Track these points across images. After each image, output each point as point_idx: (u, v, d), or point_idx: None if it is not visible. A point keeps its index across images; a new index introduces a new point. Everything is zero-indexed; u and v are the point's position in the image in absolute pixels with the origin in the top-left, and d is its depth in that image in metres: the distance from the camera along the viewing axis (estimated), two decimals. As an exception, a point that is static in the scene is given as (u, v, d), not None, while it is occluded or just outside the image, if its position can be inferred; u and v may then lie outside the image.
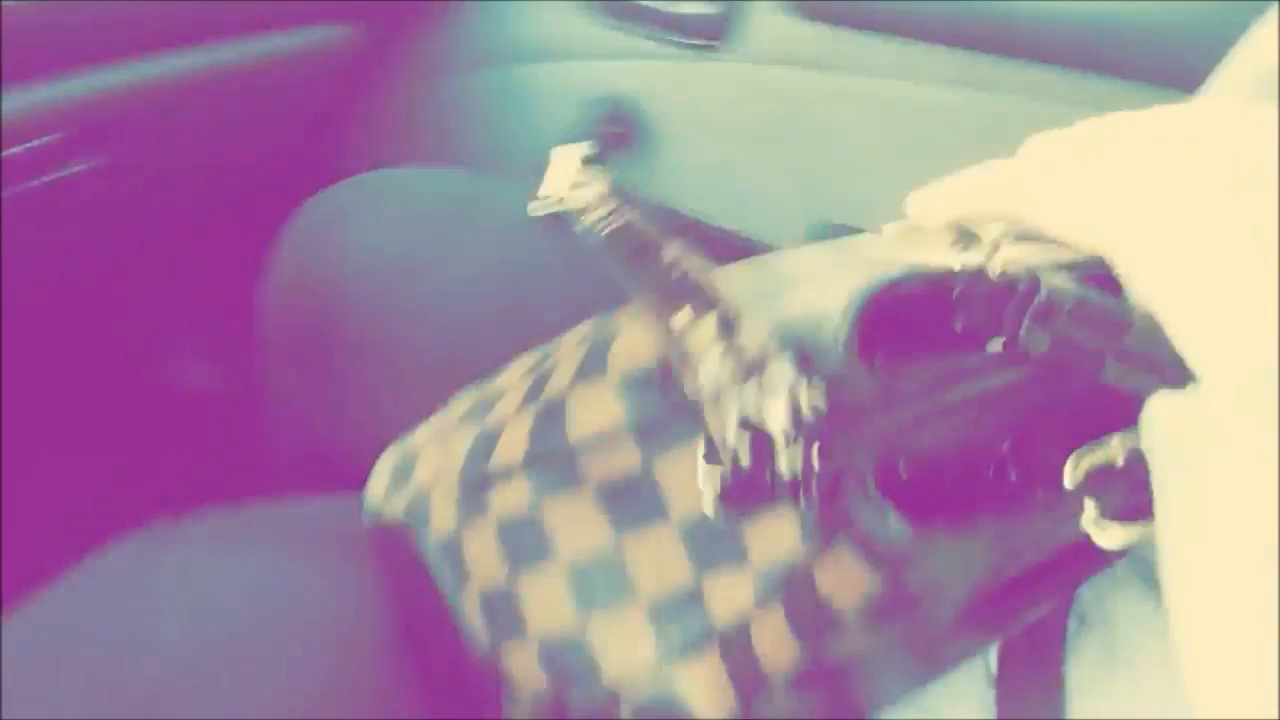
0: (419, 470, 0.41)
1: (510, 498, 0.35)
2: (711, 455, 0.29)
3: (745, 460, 0.25)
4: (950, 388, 0.29)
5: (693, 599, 0.32)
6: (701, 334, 0.28)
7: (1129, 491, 0.31)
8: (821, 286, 0.28)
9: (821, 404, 0.24)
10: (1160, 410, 0.29)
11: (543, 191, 0.60)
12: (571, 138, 1.02)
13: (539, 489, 0.35)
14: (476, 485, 0.37)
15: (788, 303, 0.28)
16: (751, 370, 0.25)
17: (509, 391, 0.39)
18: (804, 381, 0.25)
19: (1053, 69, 0.83)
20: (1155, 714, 0.38)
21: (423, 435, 0.43)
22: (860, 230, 0.92)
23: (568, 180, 0.59)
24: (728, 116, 0.98)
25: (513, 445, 0.35)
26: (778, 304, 0.29)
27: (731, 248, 0.87)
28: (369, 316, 0.61)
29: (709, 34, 0.97)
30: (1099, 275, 0.33)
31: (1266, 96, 0.45)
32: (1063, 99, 0.83)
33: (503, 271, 0.60)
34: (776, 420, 0.24)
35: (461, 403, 0.42)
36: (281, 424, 0.71)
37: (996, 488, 0.31)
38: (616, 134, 1.02)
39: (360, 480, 0.60)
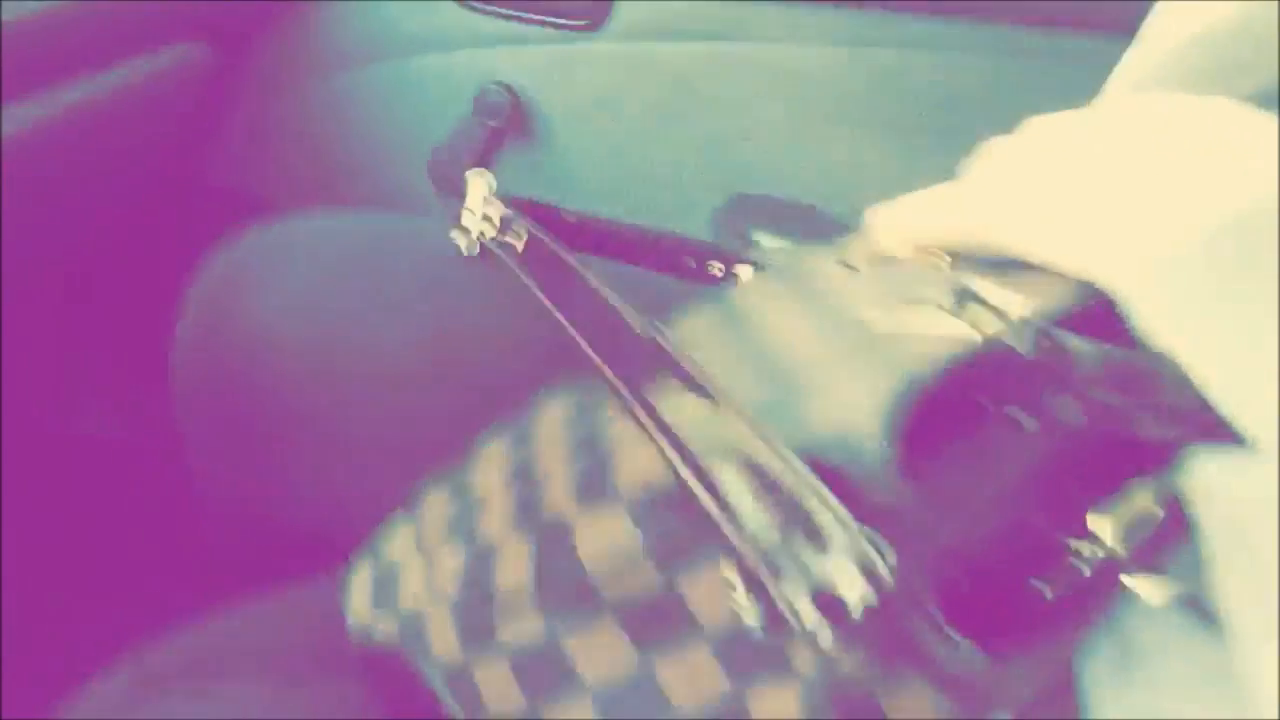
0: (405, 588, 0.38)
1: (522, 629, 0.33)
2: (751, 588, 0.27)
3: (827, 635, 0.23)
4: (989, 474, 0.28)
5: (734, 714, 0.31)
6: (722, 467, 0.26)
7: (1168, 539, 0.30)
8: (841, 391, 0.27)
9: (894, 560, 0.23)
10: (1210, 476, 0.28)
11: (459, 229, 0.57)
12: (457, 132, 0.98)
13: (553, 619, 0.32)
14: (480, 618, 0.34)
15: (809, 415, 0.27)
16: (795, 520, 0.24)
17: (491, 499, 0.36)
18: (874, 546, 0.23)
19: (936, 20, 0.82)
20: (1178, 713, 0.38)
21: (401, 546, 0.40)
22: (768, 199, 0.90)
23: (480, 213, 0.56)
24: (617, 98, 0.95)
25: (514, 573, 0.33)
26: (797, 415, 0.27)
27: (650, 246, 0.85)
28: (299, 376, 0.57)
29: (584, 14, 0.93)
30: (1098, 305, 0.31)
31: (1177, 84, 0.44)
32: (953, 48, 0.82)
33: (434, 318, 0.56)
34: (853, 591, 0.23)
35: (436, 505, 0.39)
36: (210, 486, 0.67)
37: (1043, 563, 0.29)
38: (504, 126, 0.98)
39: (297, 541, 0.57)
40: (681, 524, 0.30)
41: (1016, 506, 0.29)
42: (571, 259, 0.45)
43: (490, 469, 0.38)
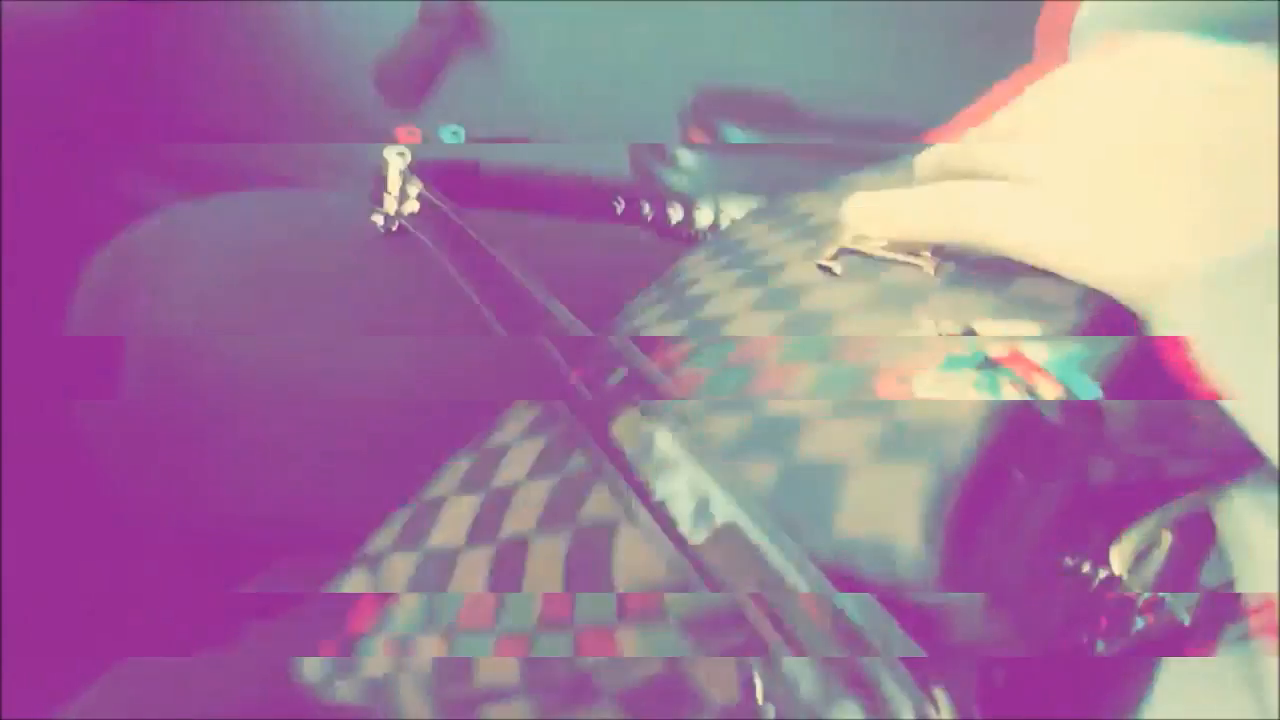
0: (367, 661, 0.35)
1: (509, 710, 0.31)
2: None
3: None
4: (1019, 543, 0.26)
5: None
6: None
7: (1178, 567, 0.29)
8: (870, 490, 0.24)
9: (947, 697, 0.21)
10: (1246, 514, 0.26)
11: (378, 208, 0.52)
12: (403, 43, 0.89)
13: (547, 709, 0.30)
14: (460, 702, 0.31)
15: (840, 521, 0.24)
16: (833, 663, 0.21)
17: (462, 568, 0.33)
18: (924, 688, 0.21)
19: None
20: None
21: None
22: (736, 90, 0.83)
23: (397, 192, 0.51)
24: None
25: (502, 668, 0.30)
26: (814, 509, 0.24)
27: (578, 192, 0.79)
28: (209, 378, 0.51)
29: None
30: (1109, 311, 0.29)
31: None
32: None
33: (364, 310, 0.51)
34: None
35: (398, 565, 0.36)
36: (118, 496, 0.62)
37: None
38: (451, 35, 0.90)
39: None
40: (685, 623, 0.27)
41: (1045, 560, 0.27)
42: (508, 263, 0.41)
43: (455, 526, 0.34)
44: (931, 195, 0.33)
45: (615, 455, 0.30)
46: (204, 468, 0.53)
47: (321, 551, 0.54)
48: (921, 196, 0.33)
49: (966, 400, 0.25)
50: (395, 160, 0.51)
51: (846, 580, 0.23)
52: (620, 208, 0.60)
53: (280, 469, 0.52)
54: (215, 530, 0.55)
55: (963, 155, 0.34)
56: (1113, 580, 0.28)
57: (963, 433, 0.24)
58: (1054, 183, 0.29)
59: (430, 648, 0.32)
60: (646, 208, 0.60)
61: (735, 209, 0.58)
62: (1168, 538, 0.28)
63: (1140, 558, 0.28)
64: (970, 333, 0.28)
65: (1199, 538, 0.29)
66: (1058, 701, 0.26)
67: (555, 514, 0.30)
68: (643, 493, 0.28)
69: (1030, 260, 0.30)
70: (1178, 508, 0.28)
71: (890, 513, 0.23)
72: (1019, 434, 0.24)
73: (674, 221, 0.59)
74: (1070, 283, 0.29)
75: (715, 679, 0.28)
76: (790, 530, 0.24)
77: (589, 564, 0.28)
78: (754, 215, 0.47)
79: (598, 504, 0.29)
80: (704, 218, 0.59)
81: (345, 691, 0.36)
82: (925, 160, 0.36)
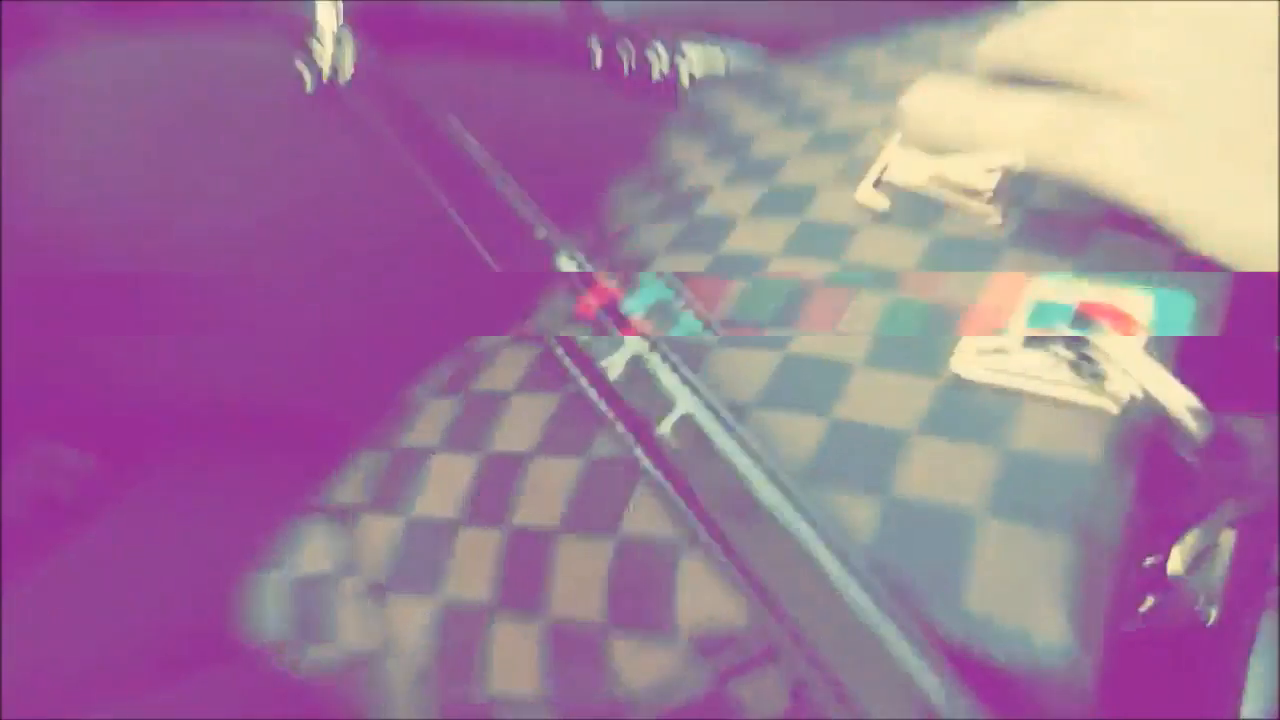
0: (343, 620, 0.31)
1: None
2: None
3: None
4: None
5: None
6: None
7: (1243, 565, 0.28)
8: (1001, 559, 0.21)
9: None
10: None
11: (305, 58, 0.44)
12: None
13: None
14: (468, 706, 0.28)
15: (969, 593, 0.21)
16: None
17: (462, 548, 0.29)
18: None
19: None
20: None
21: (326, 559, 0.32)
22: None
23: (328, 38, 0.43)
24: None
25: (520, 677, 0.27)
26: (952, 590, 0.21)
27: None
28: (104, 253, 0.44)
29: None
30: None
31: None
32: None
33: (292, 184, 0.44)
34: None
35: (375, 527, 0.31)
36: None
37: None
38: None
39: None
40: (749, 652, 0.24)
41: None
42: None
43: (446, 492, 0.30)
44: (1038, 108, 0.27)
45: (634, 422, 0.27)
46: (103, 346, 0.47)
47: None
48: (1024, 107, 0.27)
49: (1083, 422, 0.22)
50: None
51: (982, 667, 0.20)
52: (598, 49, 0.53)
53: (177, 349, 0.47)
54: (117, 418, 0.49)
55: (1054, 56, 0.28)
56: (1176, 579, 0.26)
57: (1098, 490, 0.21)
58: (1221, 126, 0.24)
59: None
60: (594, 47, 0.53)
61: (695, 57, 0.52)
62: (1230, 536, 0.27)
63: (1201, 556, 0.27)
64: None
65: (1264, 534, 0.27)
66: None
67: (588, 514, 0.27)
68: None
69: (1160, 220, 0.25)
70: (1242, 506, 0.27)
71: (1029, 595, 0.20)
72: (1156, 485, 0.22)
73: (626, 67, 0.52)
74: (1167, 245, 0.26)
75: (760, 695, 0.26)
76: (908, 598, 0.21)
77: (642, 588, 0.25)
78: (740, 93, 0.41)
79: (647, 516, 0.25)
80: (659, 64, 0.53)
81: (316, 656, 0.33)
82: (993, 49, 0.31)
